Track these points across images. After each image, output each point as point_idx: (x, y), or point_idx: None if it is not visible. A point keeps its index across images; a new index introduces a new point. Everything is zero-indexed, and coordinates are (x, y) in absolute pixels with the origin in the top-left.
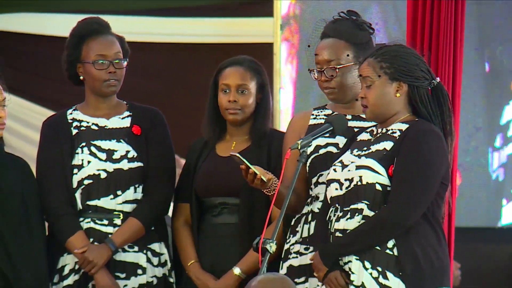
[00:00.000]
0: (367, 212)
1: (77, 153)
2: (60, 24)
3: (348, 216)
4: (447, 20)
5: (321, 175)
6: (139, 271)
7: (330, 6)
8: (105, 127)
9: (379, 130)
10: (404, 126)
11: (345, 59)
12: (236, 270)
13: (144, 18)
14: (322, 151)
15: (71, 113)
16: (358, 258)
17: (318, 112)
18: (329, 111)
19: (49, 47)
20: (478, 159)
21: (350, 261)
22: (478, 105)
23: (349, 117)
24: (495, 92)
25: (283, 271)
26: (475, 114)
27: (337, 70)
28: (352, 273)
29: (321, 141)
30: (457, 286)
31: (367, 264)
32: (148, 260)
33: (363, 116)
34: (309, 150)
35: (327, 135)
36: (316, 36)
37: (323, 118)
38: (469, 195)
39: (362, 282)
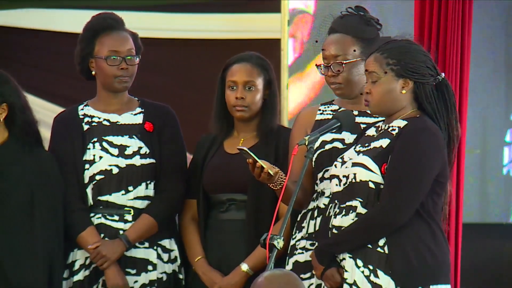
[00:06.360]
0: (361, 209)
1: (89, 149)
2: (70, 20)
3: (344, 213)
4: (455, 18)
5: (327, 170)
6: (150, 267)
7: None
8: (117, 123)
9: (383, 127)
10: (403, 123)
11: (352, 54)
12: (244, 267)
13: (152, 14)
14: (328, 147)
15: (82, 109)
16: (351, 256)
17: (325, 107)
18: (336, 107)
19: (59, 43)
20: (489, 154)
21: (344, 259)
22: (489, 100)
23: (355, 112)
24: (507, 88)
25: (289, 266)
26: (486, 110)
27: (343, 65)
28: (346, 271)
29: (327, 136)
30: (467, 282)
31: (359, 262)
32: (159, 256)
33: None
34: (316, 145)
35: (334, 130)
36: (324, 31)
37: (330, 114)
38: (480, 191)
39: (354, 280)
